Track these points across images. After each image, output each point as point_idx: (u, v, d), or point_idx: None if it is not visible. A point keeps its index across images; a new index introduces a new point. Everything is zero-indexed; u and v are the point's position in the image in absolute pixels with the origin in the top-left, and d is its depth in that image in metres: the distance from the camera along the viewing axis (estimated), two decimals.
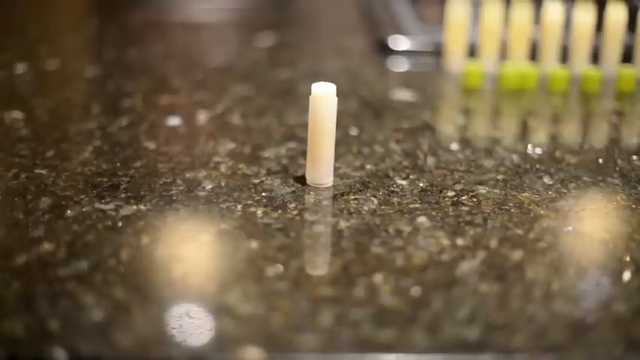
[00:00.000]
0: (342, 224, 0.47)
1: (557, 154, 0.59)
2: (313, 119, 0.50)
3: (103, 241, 0.45)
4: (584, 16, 0.76)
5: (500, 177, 0.54)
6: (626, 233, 0.47)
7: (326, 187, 0.51)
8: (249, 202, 0.50)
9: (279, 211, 0.49)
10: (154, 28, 0.96)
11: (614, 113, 0.72)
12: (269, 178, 0.53)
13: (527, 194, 0.51)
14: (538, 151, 0.60)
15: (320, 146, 0.51)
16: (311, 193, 0.51)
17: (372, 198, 0.50)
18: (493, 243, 0.45)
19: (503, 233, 0.46)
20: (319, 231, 0.47)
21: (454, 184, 0.53)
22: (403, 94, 0.72)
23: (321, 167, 0.51)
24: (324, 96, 0.49)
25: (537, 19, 0.77)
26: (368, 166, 0.55)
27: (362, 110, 0.67)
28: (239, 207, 0.49)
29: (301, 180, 0.52)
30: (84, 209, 0.48)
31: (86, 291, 0.39)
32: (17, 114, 0.65)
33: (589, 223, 0.49)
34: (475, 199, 0.50)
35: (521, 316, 0.39)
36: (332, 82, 0.50)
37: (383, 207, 0.49)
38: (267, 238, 0.45)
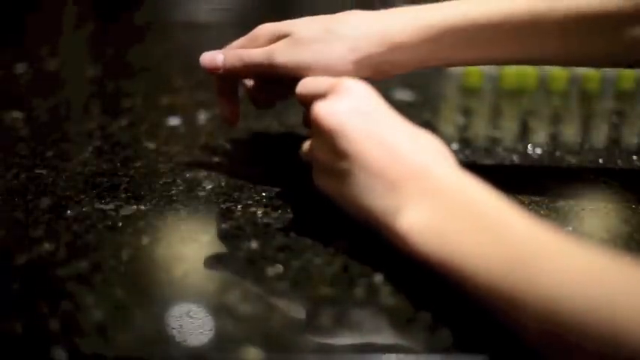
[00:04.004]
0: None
1: (557, 154, 0.59)
2: None
3: (103, 241, 0.45)
4: None
5: (500, 176, 0.54)
6: (626, 233, 0.47)
7: None
8: (249, 202, 0.50)
9: (279, 211, 0.49)
10: (154, 28, 0.97)
11: (614, 113, 0.72)
12: (269, 178, 0.53)
13: (527, 194, 0.51)
14: (538, 151, 0.60)
15: None
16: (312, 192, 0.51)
17: None
18: None
19: None
20: (320, 230, 0.47)
21: None
22: (403, 94, 0.72)
23: None
24: None
25: None
26: None
27: None
28: (239, 207, 0.49)
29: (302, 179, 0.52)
30: (84, 209, 0.48)
31: (86, 291, 0.39)
32: (17, 114, 0.65)
33: (589, 223, 0.49)
34: None
35: None
36: None
37: None
38: (267, 238, 0.45)
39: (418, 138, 0.41)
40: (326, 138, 0.42)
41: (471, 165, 0.56)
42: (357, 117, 0.41)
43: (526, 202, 0.50)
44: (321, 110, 0.42)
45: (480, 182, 0.39)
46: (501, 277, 0.34)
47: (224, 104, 0.53)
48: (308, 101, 0.45)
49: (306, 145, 0.47)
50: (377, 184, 0.40)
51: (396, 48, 0.47)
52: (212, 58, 0.51)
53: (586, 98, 0.74)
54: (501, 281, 0.34)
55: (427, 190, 0.39)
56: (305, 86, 0.46)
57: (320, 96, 0.44)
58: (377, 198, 0.40)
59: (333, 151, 0.42)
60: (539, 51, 0.47)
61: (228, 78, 0.53)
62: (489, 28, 0.46)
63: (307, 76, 0.47)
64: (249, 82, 0.55)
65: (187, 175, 0.53)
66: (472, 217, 0.37)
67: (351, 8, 0.49)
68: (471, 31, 0.46)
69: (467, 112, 0.71)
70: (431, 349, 0.36)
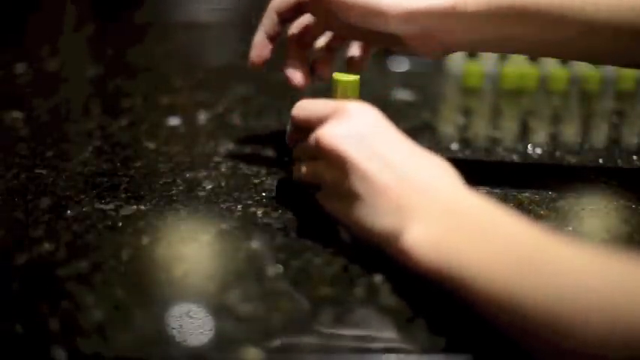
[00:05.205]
0: None
1: (557, 154, 0.59)
2: None
3: (103, 241, 0.45)
4: None
5: (500, 176, 0.54)
6: (626, 233, 0.47)
7: None
8: (249, 202, 0.50)
9: (279, 211, 0.49)
10: (154, 28, 0.97)
11: (614, 113, 0.72)
12: (269, 178, 0.53)
13: (527, 194, 0.51)
14: (538, 151, 0.60)
15: None
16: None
17: None
18: None
19: None
20: (320, 230, 0.47)
21: None
22: (403, 94, 0.72)
23: None
24: None
25: None
26: None
27: None
28: (239, 207, 0.49)
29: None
30: (84, 209, 0.48)
31: (86, 291, 0.39)
32: (17, 114, 0.65)
33: (589, 223, 0.49)
34: None
35: None
36: None
37: None
38: (267, 238, 0.45)
39: (422, 158, 0.41)
40: (331, 162, 0.42)
41: (471, 165, 0.56)
42: (361, 140, 0.41)
43: (526, 202, 0.50)
44: (325, 135, 0.42)
45: (487, 199, 0.39)
46: (501, 283, 0.34)
47: (293, 69, 0.55)
48: (304, 124, 0.45)
49: (302, 169, 0.46)
50: (383, 206, 0.40)
51: (455, 14, 0.46)
52: None
53: (586, 98, 0.74)
54: (501, 288, 0.34)
55: (431, 207, 0.38)
56: (304, 109, 0.46)
57: (321, 119, 0.44)
58: (383, 219, 0.40)
59: (339, 174, 0.42)
60: (575, 42, 0.47)
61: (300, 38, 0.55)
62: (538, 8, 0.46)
63: (353, 13, 0.47)
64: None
65: (187, 175, 0.53)
66: (473, 228, 0.37)
67: None
68: (518, 9, 0.46)
69: (467, 112, 0.71)
70: (431, 349, 0.36)
